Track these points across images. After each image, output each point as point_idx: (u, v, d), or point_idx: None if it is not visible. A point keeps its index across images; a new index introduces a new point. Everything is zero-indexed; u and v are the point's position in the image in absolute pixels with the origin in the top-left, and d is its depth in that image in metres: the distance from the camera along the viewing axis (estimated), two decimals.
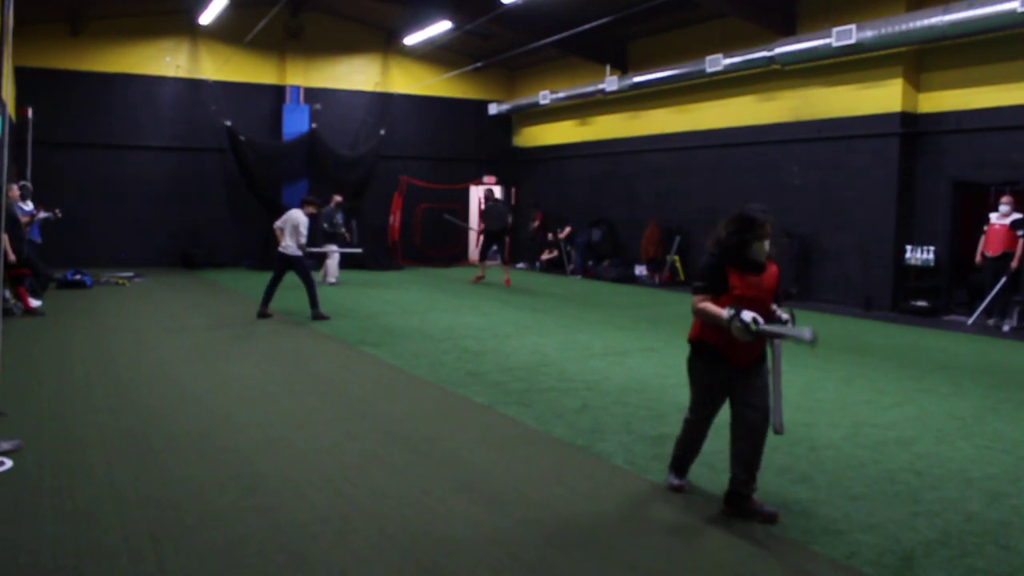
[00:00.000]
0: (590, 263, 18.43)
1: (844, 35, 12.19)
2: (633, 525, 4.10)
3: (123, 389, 6.75)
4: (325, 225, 15.98)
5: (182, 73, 18.51)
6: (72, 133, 17.47)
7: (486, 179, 21.81)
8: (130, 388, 6.77)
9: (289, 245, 10.76)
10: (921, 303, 12.30)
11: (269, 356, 8.46)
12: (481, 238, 17.05)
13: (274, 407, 6.30)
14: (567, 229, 18.92)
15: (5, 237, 9.20)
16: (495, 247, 16.79)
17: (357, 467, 4.90)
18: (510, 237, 18.61)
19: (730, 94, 15.62)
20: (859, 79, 13.23)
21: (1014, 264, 11.03)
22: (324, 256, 15.65)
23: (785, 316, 4.23)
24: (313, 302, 10.89)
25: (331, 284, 15.43)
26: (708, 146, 16.18)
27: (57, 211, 13.85)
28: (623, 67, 17.84)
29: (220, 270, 17.86)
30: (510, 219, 16.56)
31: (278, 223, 10.96)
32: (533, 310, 12.35)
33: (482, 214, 17.28)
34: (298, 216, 10.85)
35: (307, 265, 11.13)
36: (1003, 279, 11.08)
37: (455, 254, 21.26)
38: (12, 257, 9.87)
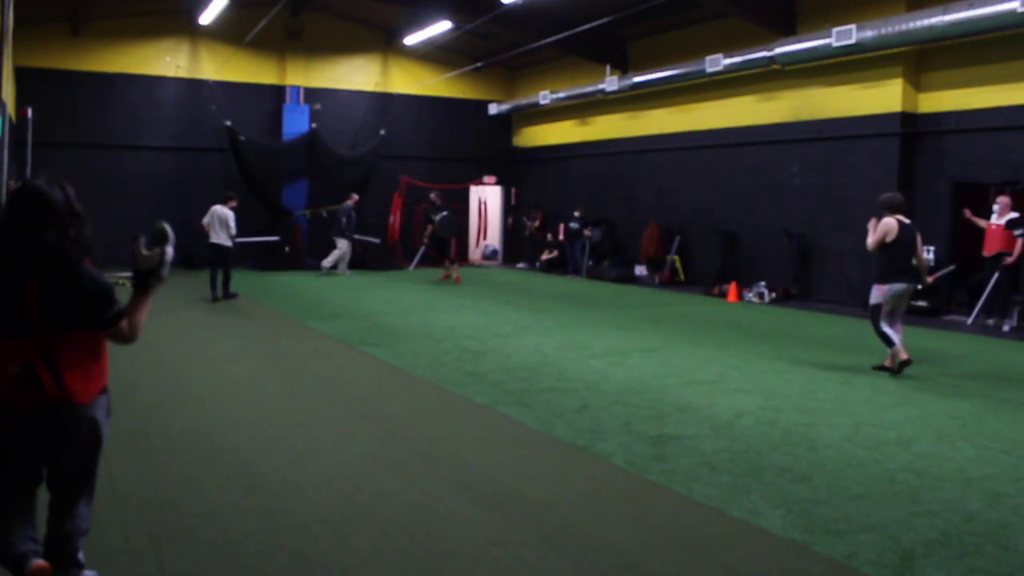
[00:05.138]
0: (590, 263, 18.43)
1: (844, 35, 12.19)
2: (633, 525, 4.10)
3: (123, 389, 6.73)
4: (344, 220, 17.15)
5: (182, 73, 18.50)
6: (72, 133, 17.46)
7: (486, 179, 21.82)
8: (130, 388, 6.76)
9: (223, 237, 12.29)
10: (921, 303, 12.29)
11: (269, 356, 8.47)
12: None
13: (274, 407, 6.31)
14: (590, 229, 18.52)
15: None
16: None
17: (357, 467, 4.89)
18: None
19: (730, 94, 15.62)
20: (859, 79, 13.23)
21: (1009, 260, 11.05)
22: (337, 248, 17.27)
23: None
24: (228, 285, 12.49)
25: (345, 274, 17.16)
26: (708, 146, 16.18)
27: None
28: (623, 67, 17.84)
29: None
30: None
31: (206, 219, 12.48)
32: (533, 310, 12.34)
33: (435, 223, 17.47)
34: (225, 212, 12.39)
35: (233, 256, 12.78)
36: (995, 276, 11.15)
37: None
38: None
